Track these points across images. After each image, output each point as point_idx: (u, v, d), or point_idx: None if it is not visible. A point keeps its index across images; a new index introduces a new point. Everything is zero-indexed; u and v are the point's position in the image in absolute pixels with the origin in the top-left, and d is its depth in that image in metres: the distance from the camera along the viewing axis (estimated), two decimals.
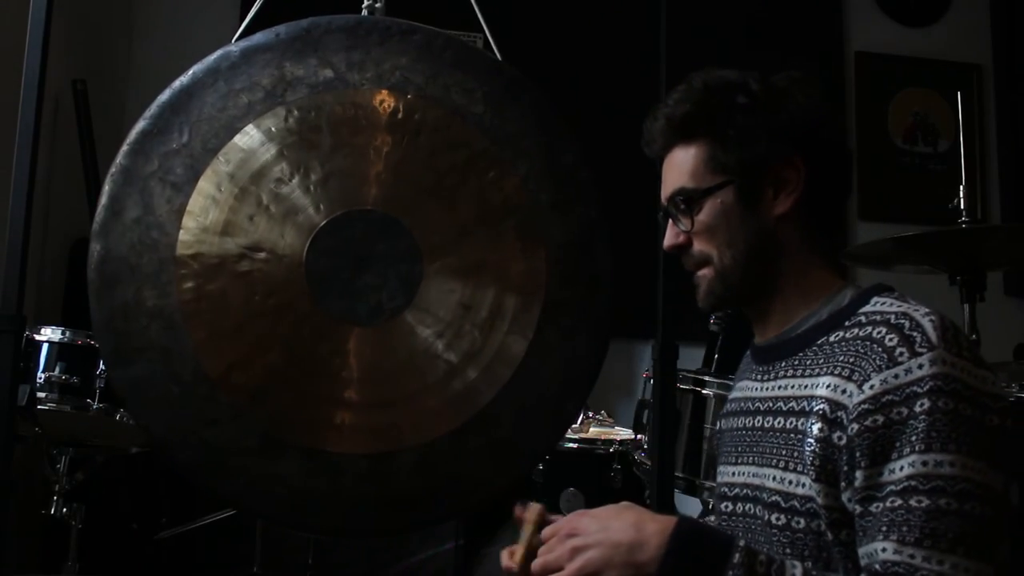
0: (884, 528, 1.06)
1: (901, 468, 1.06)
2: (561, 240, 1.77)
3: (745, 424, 1.30)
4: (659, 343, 1.87)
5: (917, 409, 1.06)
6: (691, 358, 2.56)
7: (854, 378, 1.12)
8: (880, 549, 1.05)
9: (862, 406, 1.09)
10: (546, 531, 1.16)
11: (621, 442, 2.62)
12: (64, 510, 2.31)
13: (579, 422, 2.72)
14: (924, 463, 1.05)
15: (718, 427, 1.38)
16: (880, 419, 1.08)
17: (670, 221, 1.31)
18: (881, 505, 1.07)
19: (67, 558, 2.36)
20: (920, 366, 1.07)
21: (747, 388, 1.33)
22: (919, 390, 1.06)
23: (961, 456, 1.05)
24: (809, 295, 1.26)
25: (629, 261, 1.87)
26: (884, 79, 4.00)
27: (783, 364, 1.25)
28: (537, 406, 1.75)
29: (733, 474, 1.31)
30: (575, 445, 2.64)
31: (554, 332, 1.76)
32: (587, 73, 3.62)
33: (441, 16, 2.00)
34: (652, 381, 1.98)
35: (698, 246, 1.28)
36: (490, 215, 1.76)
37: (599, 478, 2.58)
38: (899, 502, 1.05)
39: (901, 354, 1.09)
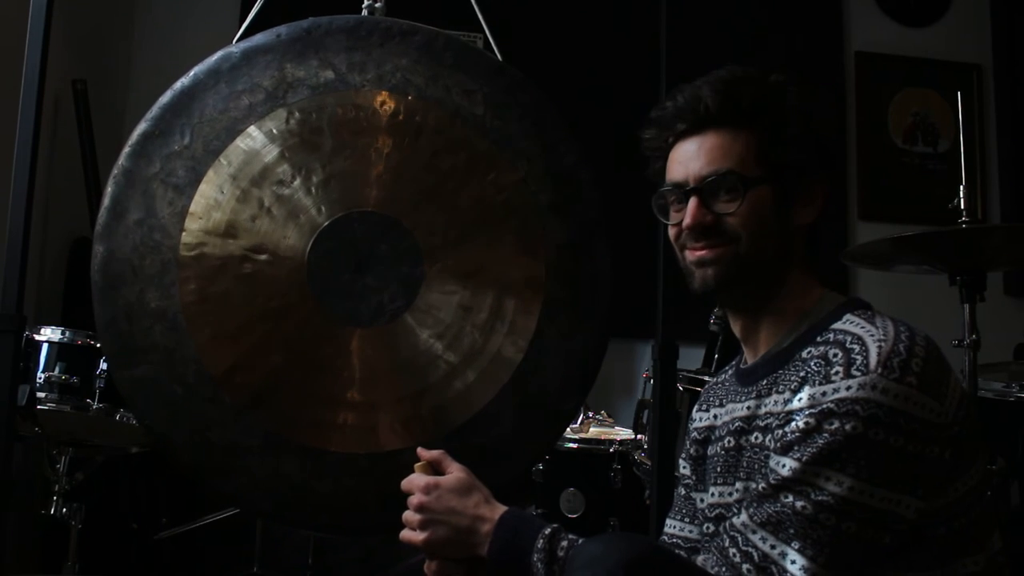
0: (748, 502, 1.14)
1: (784, 465, 1.10)
2: (561, 241, 1.78)
3: (726, 445, 1.30)
4: (659, 343, 1.87)
5: (825, 426, 1.09)
6: (691, 358, 2.56)
7: (796, 390, 1.15)
8: (737, 516, 1.14)
9: (787, 415, 1.14)
10: (405, 482, 1.33)
11: (621, 442, 2.62)
12: (64, 510, 2.30)
13: (579, 422, 2.72)
14: (804, 471, 1.08)
15: (708, 452, 1.36)
16: (793, 425, 1.11)
17: (693, 200, 1.24)
18: (757, 488, 1.13)
19: (67, 558, 2.35)
20: (848, 387, 1.09)
21: (733, 411, 1.31)
22: (836, 410, 1.09)
23: (851, 478, 1.07)
24: (799, 309, 1.26)
25: (629, 261, 1.88)
26: (884, 79, 3.99)
27: (764, 383, 1.25)
28: (537, 406, 1.75)
29: (712, 493, 1.32)
30: (575, 445, 2.64)
31: (553, 332, 1.76)
32: (587, 73, 3.62)
33: (441, 16, 2.01)
34: (652, 381, 1.98)
35: (730, 224, 1.23)
36: (490, 216, 1.77)
37: (599, 478, 2.58)
38: (769, 491, 1.11)
39: (836, 374, 1.10)
